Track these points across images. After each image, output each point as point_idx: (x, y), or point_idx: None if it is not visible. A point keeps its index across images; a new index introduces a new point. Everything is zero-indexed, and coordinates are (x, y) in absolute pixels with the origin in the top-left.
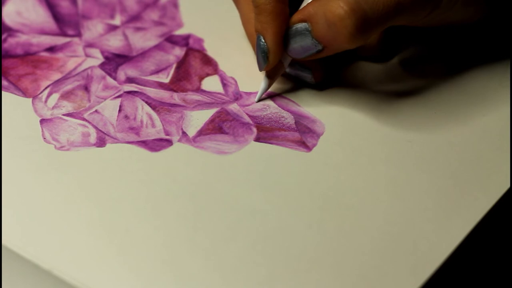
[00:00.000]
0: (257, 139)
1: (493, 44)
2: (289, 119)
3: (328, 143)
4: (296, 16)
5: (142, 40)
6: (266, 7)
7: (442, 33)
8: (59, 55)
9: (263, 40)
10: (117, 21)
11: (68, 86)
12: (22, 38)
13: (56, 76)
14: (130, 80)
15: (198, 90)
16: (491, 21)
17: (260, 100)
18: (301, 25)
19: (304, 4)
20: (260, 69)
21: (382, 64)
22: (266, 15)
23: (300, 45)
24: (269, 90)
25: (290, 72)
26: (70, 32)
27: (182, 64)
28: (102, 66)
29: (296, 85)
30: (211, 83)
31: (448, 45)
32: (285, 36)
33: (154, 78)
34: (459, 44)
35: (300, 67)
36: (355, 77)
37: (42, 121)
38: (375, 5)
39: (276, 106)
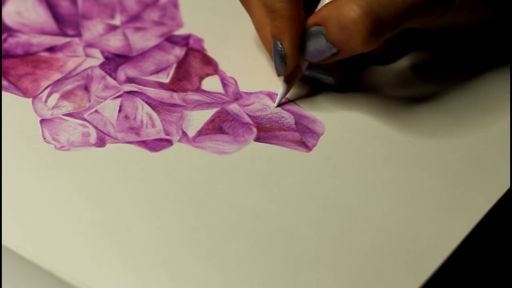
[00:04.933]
0: (257, 139)
1: (495, 46)
2: (289, 119)
3: (328, 143)
4: (311, 20)
5: (142, 40)
6: (282, 13)
7: (445, 35)
8: (59, 55)
9: (280, 45)
10: (117, 21)
11: (68, 86)
12: (22, 38)
13: (56, 76)
14: (130, 80)
15: (198, 90)
16: (495, 24)
17: (279, 105)
18: (315, 28)
19: (319, 6)
20: (279, 75)
21: (385, 66)
22: (283, 20)
23: (315, 48)
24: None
25: (309, 74)
26: (70, 32)
27: (182, 64)
28: (102, 66)
29: (309, 89)
30: (211, 83)
31: (450, 47)
32: (301, 39)
33: (154, 78)
34: (461, 46)
35: (319, 69)
36: (356, 78)
37: (42, 121)
38: (388, 9)
39: None
